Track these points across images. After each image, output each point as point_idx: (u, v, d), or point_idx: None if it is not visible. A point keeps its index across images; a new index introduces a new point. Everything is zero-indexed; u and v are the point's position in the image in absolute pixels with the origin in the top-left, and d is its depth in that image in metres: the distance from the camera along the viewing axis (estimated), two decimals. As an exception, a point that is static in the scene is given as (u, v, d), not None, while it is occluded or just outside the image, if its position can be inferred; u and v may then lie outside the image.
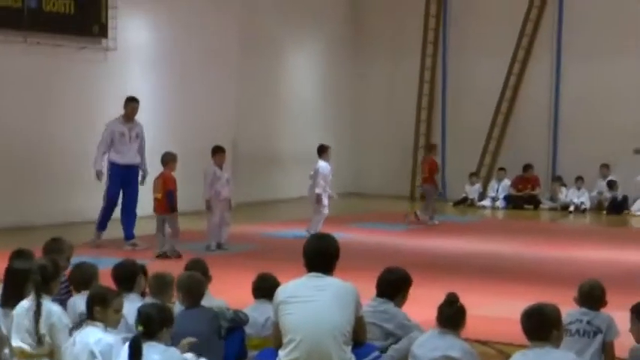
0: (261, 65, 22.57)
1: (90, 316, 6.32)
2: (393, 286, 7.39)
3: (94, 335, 6.18)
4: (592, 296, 7.08)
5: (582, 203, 22.36)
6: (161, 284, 7.25)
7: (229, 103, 21.15)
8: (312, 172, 16.61)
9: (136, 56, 19.05)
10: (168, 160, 14.12)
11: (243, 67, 21.58)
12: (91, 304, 6.34)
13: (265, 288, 7.55)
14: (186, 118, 20.08)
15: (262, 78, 22.73)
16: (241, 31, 21.35)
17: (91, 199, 15.97)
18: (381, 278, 7.42)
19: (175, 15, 19.83)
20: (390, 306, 7.32)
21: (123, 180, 14.86)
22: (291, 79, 23.89)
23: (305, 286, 6.22)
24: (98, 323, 6.27)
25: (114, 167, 14.81)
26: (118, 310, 6.38)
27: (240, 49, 21.36)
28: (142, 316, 5.94)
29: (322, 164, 16.56)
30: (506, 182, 23.37)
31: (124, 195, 14.92)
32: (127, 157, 14.83)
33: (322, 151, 16.80)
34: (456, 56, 24.59)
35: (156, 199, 13.98)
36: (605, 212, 22.07)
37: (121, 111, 15.26)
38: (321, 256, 6.27)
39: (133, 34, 18.87)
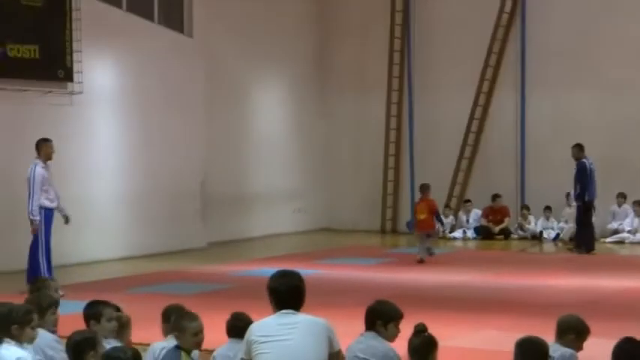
0: (227, 106, 22.58)
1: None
2: (381, 318, 7.16)
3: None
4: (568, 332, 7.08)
5: (558, 233, 22.42)
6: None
7: (196, 145, 21.14)
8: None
9: (101, 99, 19.02)
10: None
11: (210, 109, 21.60)
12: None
13: (240, 327, 7.50)
14: (153, 161, 20.04)
15: (229, 119, 22.72)
16: (207, 72, 21.39)
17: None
18: (369, 311, 7.13)
19: (140, 58, 19.86)
20: (377, 340, 7.04)
21: (51, 224, 14.80)
22: (259, 120, 23.88)
23: (277, 324, 6.16)
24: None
25: (48, 212, 14.67)
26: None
27: (205, 90, 21.39)
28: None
29: None
30: (477, 212, 23.43)
31: (49, 239, 14.73)
32: (54, 201, 14.74)
33: None
34: (422, 89, 24.71)
35: None
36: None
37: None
38: (291, 293, 6.24)
39: (99, 78, 18.86)
